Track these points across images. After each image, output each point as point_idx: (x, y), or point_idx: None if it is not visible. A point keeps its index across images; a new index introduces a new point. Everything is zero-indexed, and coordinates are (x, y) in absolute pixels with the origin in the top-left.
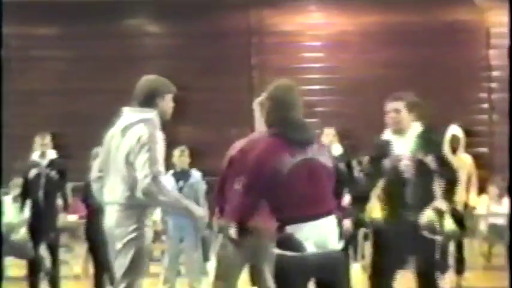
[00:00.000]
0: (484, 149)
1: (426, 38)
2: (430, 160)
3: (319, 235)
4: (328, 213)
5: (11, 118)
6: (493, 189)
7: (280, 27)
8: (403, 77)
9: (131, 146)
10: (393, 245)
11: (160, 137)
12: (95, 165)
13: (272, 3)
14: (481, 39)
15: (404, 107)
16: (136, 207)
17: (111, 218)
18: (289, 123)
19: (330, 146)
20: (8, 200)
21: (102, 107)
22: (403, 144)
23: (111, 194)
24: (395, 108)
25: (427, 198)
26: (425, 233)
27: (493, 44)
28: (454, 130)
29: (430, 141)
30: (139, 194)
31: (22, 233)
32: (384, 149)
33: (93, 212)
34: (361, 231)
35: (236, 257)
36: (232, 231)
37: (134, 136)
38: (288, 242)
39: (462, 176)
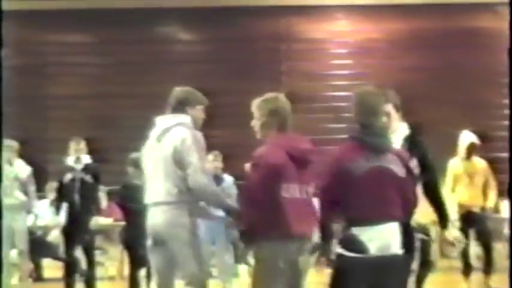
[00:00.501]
0: (503, 154)
1: (449, 44)
2: (414, 165)
3: (382, 239)
4: (393, 219)
5: (47, 122)
6: None
7: (308, 34)
8: (426, 82)
9: (175, 146)
10: None
11: (201, 138)
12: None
13: (300, 11)
14: (502, 45)
15: (393, 108)
16: (184, 204)
17: (158, 219)
18: (369, 129)
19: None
20: (44, 203)
21: (136, 112)
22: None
23: (156, 195)
24: (386, 111)
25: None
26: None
27: None
28: (469, 136)
29: (415, 144)
30: (192, 183)
31: (57, 235)
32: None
33: (131, 215)
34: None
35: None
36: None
37: (177, 137)
38: (351, 243)
39: (478, 180)
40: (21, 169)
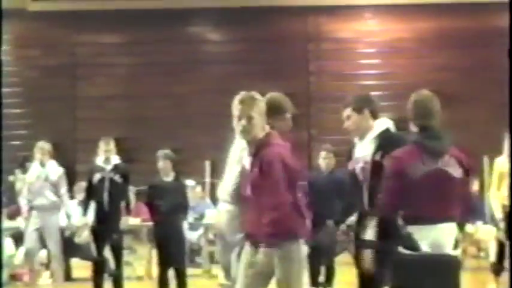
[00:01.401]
0: None
1: (479, 43)
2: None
3: (435, 238)
4: (448, 220)
5: (77, 123)
6: None
7: (336, 34)
8: (456, 81)
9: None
10: None
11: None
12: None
13: (329, 10)
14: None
15: (352, 111)
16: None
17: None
18: (427, 132)
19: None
20: (73, 203)
21: (166, 112)
22: (362, 146)
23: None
24: (346, 115)
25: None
26: None
27: None
28: None
29: (389, 140)
30: None
31: (85, 235)
32: (349, 154)
33: (159, 214)
34: None
35: None
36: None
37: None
38: (406, 241)
39: (494, 178)
40: (53, 170)
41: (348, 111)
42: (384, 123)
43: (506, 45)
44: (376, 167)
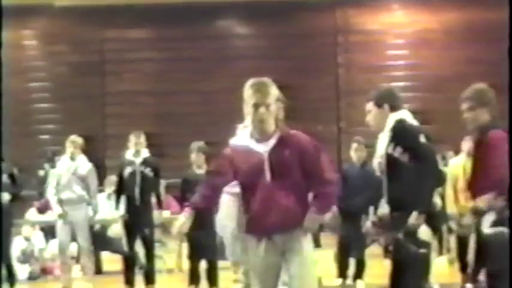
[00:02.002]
0: None
1: (506, 35)
2: (398, 153)
3: None
4: None
5: (106, 119)
6: None
7: (364, 26)
8: (485, 74)
9: None
10: None
11: None
12: None
13: (357, 3)
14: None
15: (374, 105)
16: None
17: None
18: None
19: None
20: (102, 197)
21: (194, 107)
22: (381, 141)
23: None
24: (367, 109)
25: (398, 195)
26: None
27: None
28: None
29: (400, 132)
30: None
31: (117, 229)
32: (374, 149)
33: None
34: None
35: None
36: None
37: None
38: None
39: None
40: (83, 164)
41: (369, 106)
42: (398, 115)
43: None
44: (390, 161)
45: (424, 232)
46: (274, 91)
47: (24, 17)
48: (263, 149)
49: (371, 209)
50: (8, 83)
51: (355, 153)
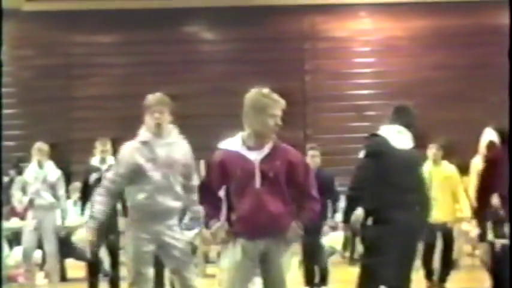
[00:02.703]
0: None
1: (472, 41)
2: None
3: None
4: None
5: (74, 123)
6: None
7: (332, 33)
8: (450, 79)
9: None
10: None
11: None
12: None
13: (324, 10)
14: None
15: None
16: None
17: None
18: None
19: None
20: (69, 203)
21: None
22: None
23: None
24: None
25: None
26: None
27: None
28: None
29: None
30: None
31: (82, 235)
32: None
33: None
34: None
35: None
36: None
37: None
38: None
39: (472, 177)
40: (51, 171)
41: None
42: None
43: (501, 44)
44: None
45: None
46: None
47: None
48: (255, 157)
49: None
50: None
51: (311, 159)
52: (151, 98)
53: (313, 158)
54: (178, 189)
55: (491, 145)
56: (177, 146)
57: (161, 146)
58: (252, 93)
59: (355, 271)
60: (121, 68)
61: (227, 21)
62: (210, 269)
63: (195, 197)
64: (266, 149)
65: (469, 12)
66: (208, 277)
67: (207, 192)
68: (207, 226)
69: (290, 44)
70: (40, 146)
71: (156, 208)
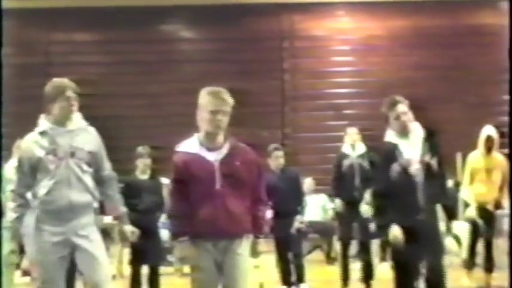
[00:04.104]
0: (504, 150)
1: (452, 41)
2: (434, 162)
3: None
4: None
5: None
6: None
7: (310, 32)
8: (430, 79)
9: None
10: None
11: None
12: None
13: (303, 9)
14: (505, 42)
15: (409, 108)
16: None
17: None
18: None
19: (353, 144)
20: None
21: (140, 110)
22: (411, 147)
23: None
24: (405, 111)
25: (435, 200)
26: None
27: None
28: (489, 130)
29: (434, 143)
30: None
31: None
32: (393, 153)
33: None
34: None
35: None
36: None
37: None
38: None
39: (496, 176)
40: None
41: (406, 107)
42: (417, 126)
43: (481, 45)
44: (428, 168)
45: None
46: (230, 100)
47: None
48: (214, 157)
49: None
50: None
51: (275, 160)
52: (66, 83)
53: (277, 158)
54: (87, 180)
55: (489, 140)
56: (80, 133)
57: (63, 134)
58: (201, 91)
59: (332, 270)
60: (99, 66)
61: (206, 20)
62: (187, 268)
63: (111, 190)
64: (225, 149)
65: (450, 13)
66: (184, 276)
67: (176, 198)
68: (174, 238)
69: (268, 43)
70: (20, 144)
71: (59, 204)
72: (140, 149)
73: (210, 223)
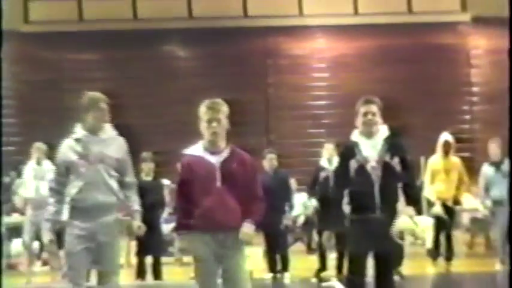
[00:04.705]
0: (466, 154)
1: (415, 59)
2: (395, 163)
3: None
4: None
5: (63, 130)
6: (474, 189)
7: (291, 51)
8: (395, 91)
9: None
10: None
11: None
12: None
13: (285, 31)
14: (463, 59)
15: (378, 110)
16: None
17: None
18: None
19: (330, 158)
20: None
21: (141, 120)
22: (371, 146)
23: None
24: (373, 111)
25: (392, 199)
26: (395, 238)
27: (473, 63)
28: (446, 136)
29: (396, 144)
30: None
31: None
32: (352, 151)
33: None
34: None
35: None
36: None
37: None
38: None
39: (453, 176)
40: (49, 169)
41: (374, 108)
42: (384, 128)
43: (436, 60)
44: (386, 167)
45: None
46: (224, 109)
47: None
48: (216, 160)
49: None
50: None
51: (269, 162)
52: (99, 96)
53: (270, 160)
54: (112, 184)
55: (446, 144)
56: (111, 142)
57: (95, 142)
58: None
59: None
60: (106, 81)
61: (199, 41)
62: (186, 258)
63: (131, 192)
64: (225, 153)
65: (409, 33)
66: (184, 265)
67: (180, 196)
68: (177, 231)
69: (255, 60)
70: (39, 145)
71: (87, 203)
72: (144, 154)
73: (209, 217)
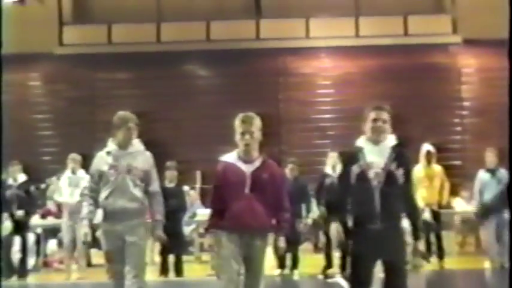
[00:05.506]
0: (457, 162)
1: (411, 76)
2: (400, 174)
3: None
4: None
5: (97, 142)
6: (464, 193)
7: (300, 70)
8: (393, 106)
9: None
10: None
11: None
12: None
13: (294, 52)
14: (454, 77)
15: (389, 118)
16: None
17: None
18: None
19: (334, 166)
20: None
21: (167, 132)
22: (377, 153)
23: None
24: (384, 118)
25: (394, 208)
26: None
27: (464, 81)
28: (428, 147)
29: (403, 155)
30: None
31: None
32: (355, 156)
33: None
34: None
35: None
36: None
37: None
38: None
39: (436, 182)
40: (83, 177)
41: (385, 115)
42: (392, 137)
43: (433, 78)
44: (389, 176)
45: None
46: (257, 122)
47: (29, 62)
48: (247, 168)
49: (304, 212)
50: (18, 115)
51: (290, 171)
52: (128, 116)
53: (292, 170)
54: (136, 192)
55: (428, 154)
56: (138, 156)
57: (124, 155)
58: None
59: (319, 257)
60: (134, 98)
61: (216, 61)
62: (205, 257)
63: (155, 201)
64: (257, 163)
65: (405, 54)
66: (203, 263)
67: (214, 197)
68: (206, 230)
69: (267, 78)
70: (74, 156)
71: (115, 208)
72: (168, 163)
73: (237, 219)
